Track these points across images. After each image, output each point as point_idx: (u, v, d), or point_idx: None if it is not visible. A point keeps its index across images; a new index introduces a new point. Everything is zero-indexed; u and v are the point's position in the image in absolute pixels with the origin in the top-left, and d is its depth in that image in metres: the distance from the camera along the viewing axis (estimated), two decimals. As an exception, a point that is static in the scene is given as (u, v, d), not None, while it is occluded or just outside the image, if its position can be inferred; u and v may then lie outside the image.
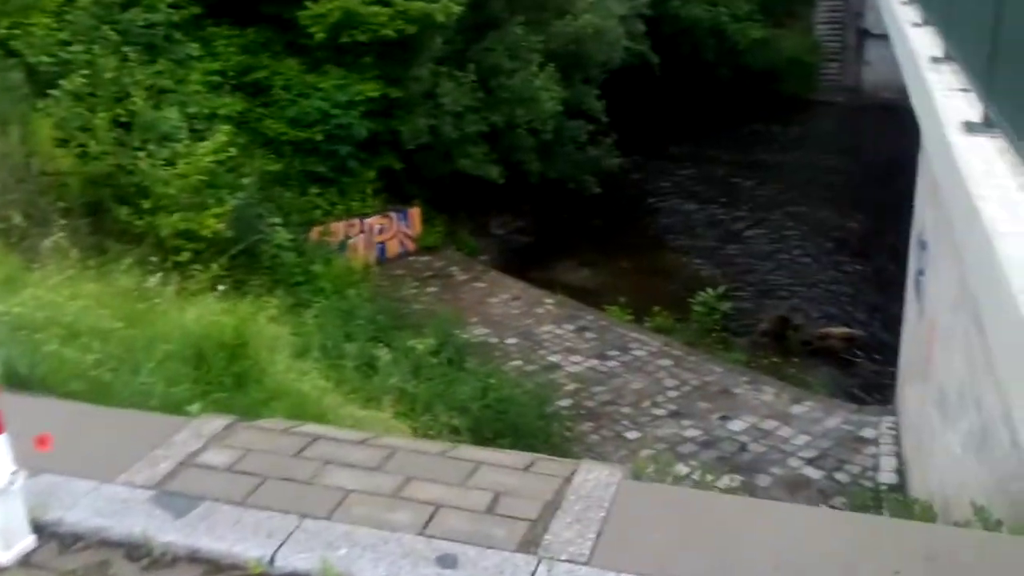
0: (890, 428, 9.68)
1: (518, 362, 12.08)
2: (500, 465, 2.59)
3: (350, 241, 15.59)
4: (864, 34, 29.69)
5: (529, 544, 2.28)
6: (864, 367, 13.02)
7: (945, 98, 6.57)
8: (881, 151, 24.45)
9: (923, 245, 8.46)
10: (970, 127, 5.59)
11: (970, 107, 6.21)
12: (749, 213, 20.32)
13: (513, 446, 8.02)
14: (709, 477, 7.46)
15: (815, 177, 22.65)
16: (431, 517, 2.40)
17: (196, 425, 2.99)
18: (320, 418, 5.69)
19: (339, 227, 15.44)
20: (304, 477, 2.60)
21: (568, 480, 2.48)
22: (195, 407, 3.50)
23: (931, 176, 8.21)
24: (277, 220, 11.92)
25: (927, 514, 4.02)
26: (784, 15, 31.50)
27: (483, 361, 9.52)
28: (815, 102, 30.16)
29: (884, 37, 28.37)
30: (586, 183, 19.33)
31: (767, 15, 30.58)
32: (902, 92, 28.15)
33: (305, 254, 13.10)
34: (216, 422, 3.01)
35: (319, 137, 15.12)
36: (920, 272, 8.56)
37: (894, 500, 3.96)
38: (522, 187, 18.51)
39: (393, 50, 16.13)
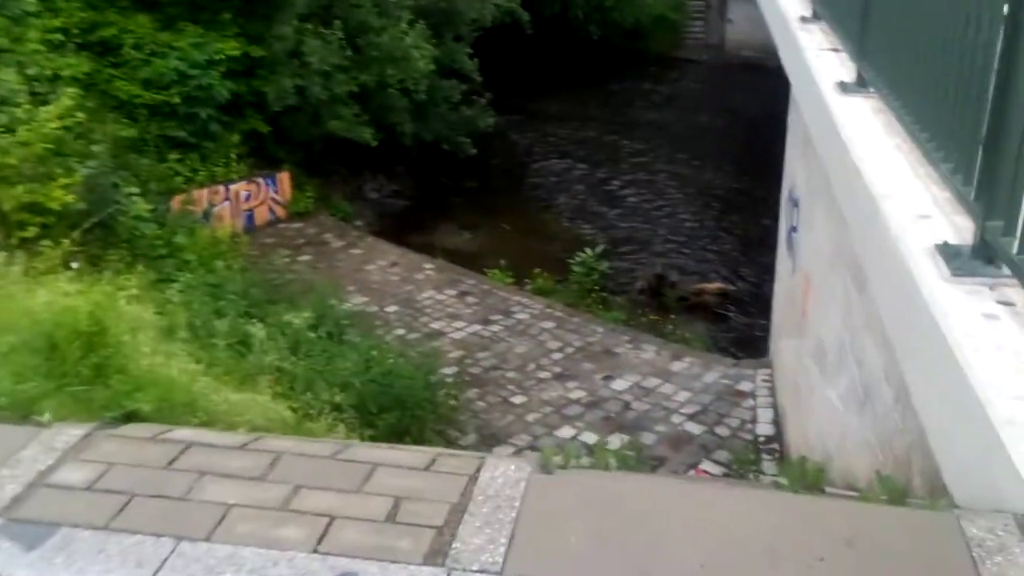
0: (765, 380, 9.99)
1: (400, 331, 11.82)
2: (398, 465, 2.38)
3: (215, 209, 14.81)
4: (727, -8, 30.40)
5: (436, 555, 2.09)
6: (737, 321, 13.42)
7: (817, 57, 6.66)
8: (748, 109, 25.19)
9: (795, 202, 8.67)
10: (844, 87, 5.67)
11: (842, 66, 6.32)
12: (624, 172, 20.55)
13: (399, 420, 7.85)
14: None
15: (686, 135, 23.10)
16: (326, 531, 2.16)
17: (48, 437, 2.64)
18: (191, 406, 5.30)
19: (202, 195, 14.63)
20: (178, 492, 2.31)
21: (474, 478, 2.30)
22: (46, 416, 3.10)
23: (802, 135, 8.39)
24: (134, 190, 11.11)
25: (819, 476, 4.06)
26: (649, -28, 31.82)
27: (364, 332, 9.19)
28: (681, 60, 30.77)
29: (746, -4, 29.23)
30: (462, 144, 19.06)
31: (633, -28, 30.84)
32: (764, 50, 29.16)
33: (167, 225, 12.31)
34: (72, 432, 2.66)
35: (177, 99, 14.22)
36: (792, 228, 8.78)
37: (793, 465, 3.97)
38: (396, 149, 18.07)
39: (254, 6, 15.35)
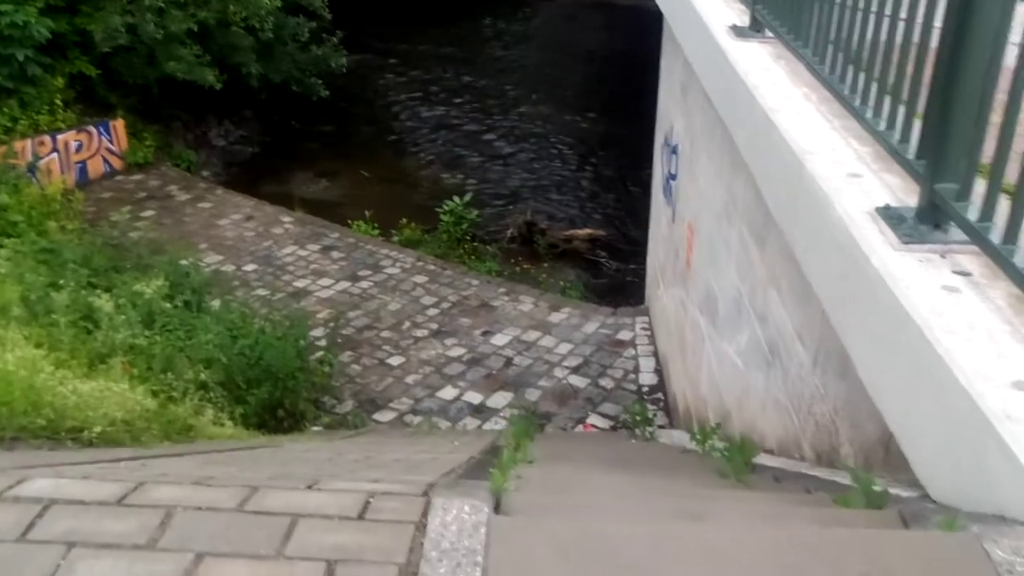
0: (644, 328, 9.96)
1: (261, 291, 11.07)
2: (324, 515, 1.93)
3: (41, 162, 13.37)
4: (577, -72, 30.01)
5: (390, 639, 1.68)
6: (608, 266, 13.39)
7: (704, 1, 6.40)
8: (603, 47, 25.17)
9: (672, 149, 8.52)
10: (738, 31, 5.43)
11: (729, 8, 6.09)
12: (485, 114, 20.07)
13: (272, 393, 7.26)
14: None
15: (545, 76, 22.80)
16: (243, 615, 1.72)
17: None
18: (35, 404, 4.60)
19: (25, 146, 13.16)
20: None
21: (421, 526, 1.89)
22: None
23: (679, 81, 8.20)
24: (-58, 145, 9.75)
25: (751, 449, 3.89)
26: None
27: (224, 297, 8.43)
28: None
29: (597, -68, 28.93)
30: (313, 86, 18.02)
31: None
32: (619, -11, 28.59)
33: (-16, 185, 10.96)
34: None
35: (-13, 39, 12.64)
36: (670, 176, 8.64)
37: (734, 449, 3.76)
38: (242, 92, 16.89)
39: (72, -67, 13.73)
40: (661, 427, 6.82)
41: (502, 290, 11.16)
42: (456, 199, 13.96)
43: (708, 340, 6.58)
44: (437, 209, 14.14)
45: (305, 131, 18.38)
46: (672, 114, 8.68)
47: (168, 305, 7.40)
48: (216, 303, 7.95)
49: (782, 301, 4.62)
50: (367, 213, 13.71)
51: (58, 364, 5.63)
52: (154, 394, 6.04)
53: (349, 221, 13.69)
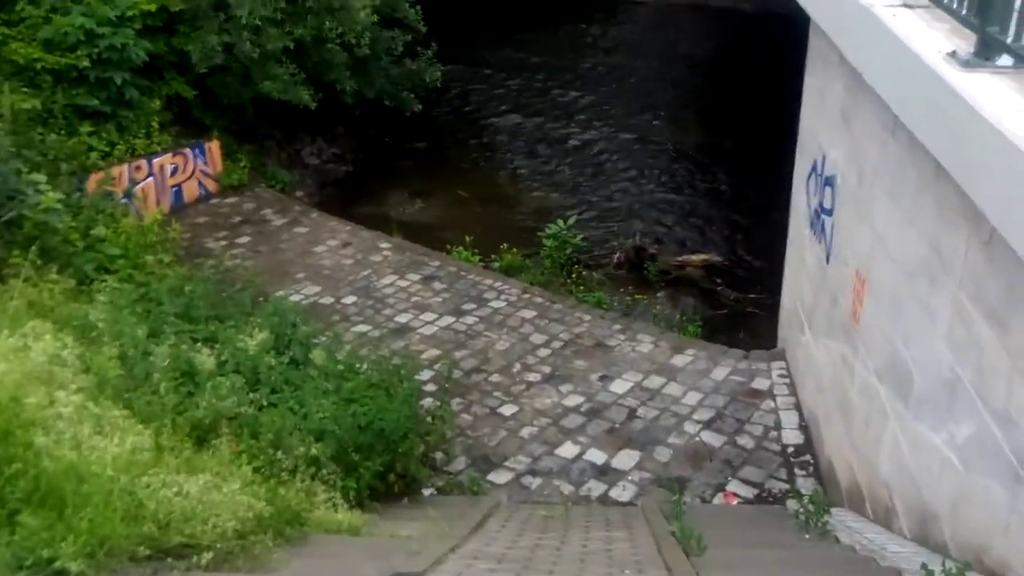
0: (782, 376, 8.97)
1: (361, 327, 10.46)
2: None
3: (138, 188, 13.07)
4: (671, -69, 28.92)
5: None
6: (726, 296, 12.38)
7: (892, 16, 5.45)
8: (698, 54, 24.08)
9: (827, 181, 7.53)
10: (963, 61, 4.47)
11: (931, 28, 5.13)
12: (580, 127, 19.23)
13: (392, 462, 6.59)
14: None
15: (640, 84, 21.83)
16: None
17: None
18: (137, 516, 3.98)
19: (122, 172, 12.88)
20: None
21: None
22: None
23: (836, 105, 7.23)
24: (40, 177, 9.37)
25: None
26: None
27: (324, 333, 7.72)
28: (626, 3, 29.34)
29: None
30: (406, 100, 17.45)
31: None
32: (714, -10, 27.59)
33: (82, 212, 10.60)
34: None
35: (86, 62, 12.41)
36: (823, 210, 7.66)
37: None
38: (334, 108, 16.39)
39: (170, -48, 13.43)
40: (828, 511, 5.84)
41: (617, 327, 10.30)
42: (560, 222, 13.14)
43: (894, 416, 5.61)
44: (539, 233, 13.35)
45: (398, 148, 17.84)
46: (825, 140, 7.69)
47: (272, 361, 6.77)
48: (318, 350, 7.28)
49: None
50: (467, 238, 13.00)
51: (158, 445, 5.03)
52: (259, 472, 5.40)
53: (448, 246, 13.02)
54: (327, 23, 14.63)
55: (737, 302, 12.22)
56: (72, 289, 8.42)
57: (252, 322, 7.38)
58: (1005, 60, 4.39)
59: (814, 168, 8.06)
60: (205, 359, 6.64)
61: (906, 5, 5.61)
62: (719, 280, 12.64)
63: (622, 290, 12.41)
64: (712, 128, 18.33)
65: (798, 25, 13.61)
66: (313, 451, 5.78)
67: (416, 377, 8.38)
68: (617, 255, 13.24)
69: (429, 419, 7.79)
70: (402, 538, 5.08)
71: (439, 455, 7.92)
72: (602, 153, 17.81)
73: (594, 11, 27.70)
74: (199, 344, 6.93)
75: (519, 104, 20.58)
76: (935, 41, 4.88)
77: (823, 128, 7.77)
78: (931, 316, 4.97)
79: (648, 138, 18.34)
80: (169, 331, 7.08)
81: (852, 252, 6.70)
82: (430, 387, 8.92)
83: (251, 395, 6.26)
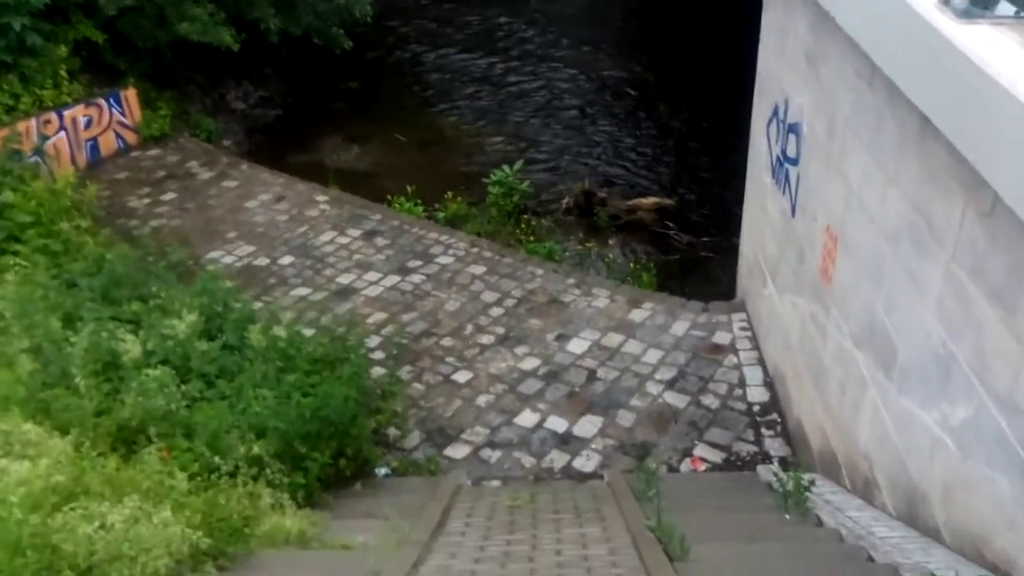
0: (743, 329, 8.70)
1: (301, 290, 9.86)
2: None
3: (48, 144, 12.07)
4: None
5: None
6: (679, 240, 12.02)
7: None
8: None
9: (791, 128, 7.13)
10: (961, 10, 4.04)
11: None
12: (520, 63, 18.48)
13: (342, 446, 6.14)
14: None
15: (580, 18, 21.05)
16: None
17: None
18: (51, 566, 3.48)
19: (30, 127, 11.87)
20: None
21: None
22: None
23: (800, 48, 6.78)
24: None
25: None
26: None
27: (267, 326, 7.11)
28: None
29: None
30: (336, 37, 16.46)
31: None
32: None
33: (-13, 177, 9.73)
34: None
35: (-22, 8, 11.27)
36: (787, 158, 7.27)
37: None
38: (260, 49, 15.39)
39: None
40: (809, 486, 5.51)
41: (571, 281, 9.89)
42: (505, 168, 12.56)
43: (874, 386, 5.32)
44: (483, 179, 12.77)
45: (330, 89, 16.93)
46: (787, 85, 7.25)
47: (205, 346, 6.20)
48: (255, 330, 6.69)
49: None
50: (408, 188, 12.37)
51: (78, 458, 4.50)
52: (194, 479, 4.90)
53: (389, 196, 12.37)
54: (247, -43, 13.59)
55: (690, 246, 11.89)
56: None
57: (181, 300, 6.75)
58: (1005, 8, 3.98)
59: (775, 113, 7.64)
60: (129, 347, 6.05)
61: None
62: (671, 224, 12.25)
63: (572, 237, 12.00)
64: (660, 64, 17.77)
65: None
66: (255, 450, 5.28)
67: (361, 343, 7.88)
68: (566, 200, 12.75)
69: (379, 393, 7.32)
70: (357, 548, 4.65)
71: (392, 431, 7.48)
72: (545, 91, 17.15)
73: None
74: (122, 330, 6.31)
75: (454, 40, 19.69)
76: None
77: (785, 71, 7.33)
78: (918, 285, 4.64)
79: (593, 76, 17.70)
80: (88, 316, 6.43)
81: (822, 207, 6.34)
82: (378, 355, 8.46)
83: (182, 388, 5.71)
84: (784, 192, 7.37)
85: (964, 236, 4.11)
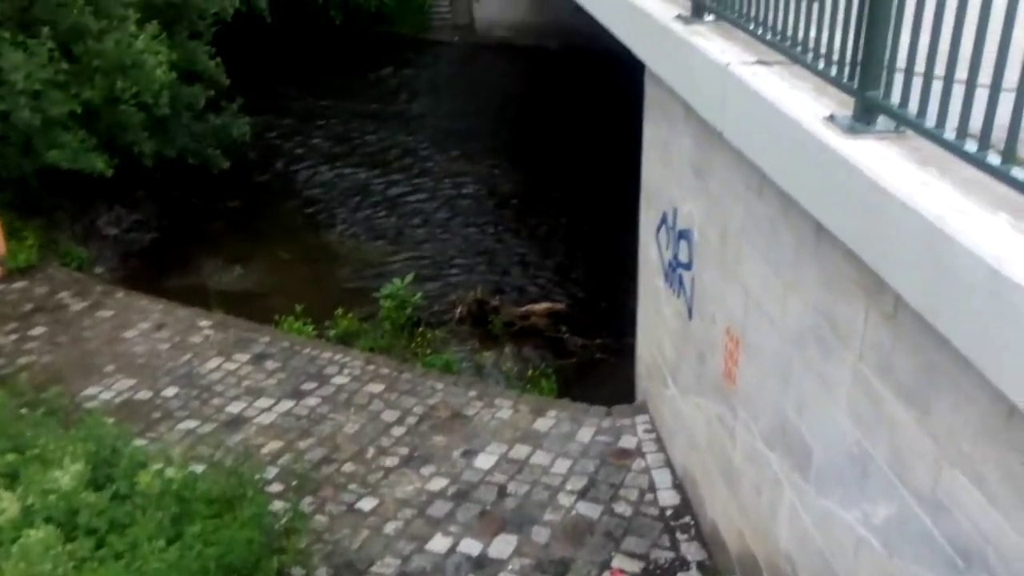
0: (647, 431, 8.73)
1: (189, 422, 9.33)
2: None
3: (-99, 281, 11.24)
4: (471, -30, 29.13)
5: None
6: (572, 343, 12.14)
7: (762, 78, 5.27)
8: (512, 94, 24.25)
9: (682, 234, 7.37)
10: (845, 125, 4.30)
11: (793, 88, 4.97)
12: (401, 174, 18.65)
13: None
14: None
15: (460, 128, 21.55)
16: None
17: None
18: None
19: None
20: None
21: None
22: None
23: (687, 161, 7.08)
24: None
25: None
26: (386, -51, 29.93)
27: (159, 472, 6.63)
28: (430, 42, 29.25)
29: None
30: (213, 158, 16.32)
31: (368, -50, 28.85)
32: (516, 29, 28.46)
33: None
34: None
35: None
36: (679, 264, 7.49)
37: None
38: (133, 171, 14.99)
39: (-79, 10, 11.74)
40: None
41: (472, 393, 9.76)
42: (396, 281, 12.49)
43: (790, 488, 5.38)
44: (374, 294, 12.65)
45: (209, 209, 16.55)
46: (675, 194, 7.53)
47: (92, 498, 5.71)
48: (144, 473, 6.24)
49: (986, 495, 3.45)
50: (296, 306, 12.09)
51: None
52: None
53: (276, 316, 12.03)
54: (119, 83, 13.30)
55: (585, 348, 12.00)
56: None
57: (63, 448, 6.23)
58: (885, 124, 4.25)
59: (664, 221, 7.90)
60: (6, 506, 5.52)
61: (761, 62, 5.47)
62: (564, 328, 12.39)
63: (468, 347, 11.94)
64: (533, 169, 18.28)
65: (608, 59, 13.73)
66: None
67: (258, 476, 7.48)
68: (459, 310, 12.73)
69: (282, 530, 6.91)
70: None
71: (297, 570, 7.03)
72: (427, 201, 17.31)
73: (399, 54, 27.34)
74: (-4, 484, 5.76)
75: (333, 154, 19.77)
76: (804, 102, 4.72)
77: (671, 182, 7.62)
78: (827, 386, 4.77)
79: (470, 183, 18.03)
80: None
81: (720, 310, 6.51)
82: (276, 487, 8.05)
83: (68, 548, 5.21)
84: (679, 296, 7.56)
85: (869, 337, 4.26)
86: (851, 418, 4.52)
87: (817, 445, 4.97)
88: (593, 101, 20.89)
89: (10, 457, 6.34)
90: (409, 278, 12.60)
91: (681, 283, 7.48)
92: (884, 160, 3.93)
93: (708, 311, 6.82)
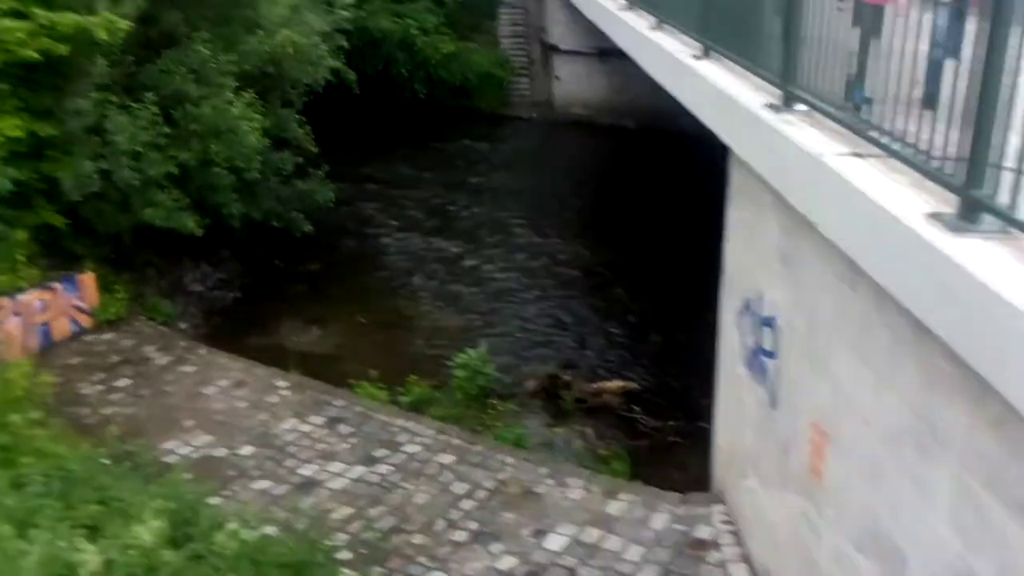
0: (724, 522, 8.49)
1: (262, 483, 9.43)
2: None
3: (0, 327, 11.72)
4: (552, 49, 29.77)
5: None
6: (645, 424, 11.96)
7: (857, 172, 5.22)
8: (592, 171, 24.49)
9: (766, 321, 7.26)
10: (951, 224, 4.21)
11: (894, 183, 4.91)
12: (477, 245, 18.89)
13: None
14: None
15: (533, 199, 21.85)
16: None
17: None
18: None
19: (-19, 313, 11.55)
20: None
21: None
22: None
23: (773, 247, 7.01)
24: None
25: None
26: (469, 28, 30.88)
27: (236, 531, 6.72)
28: (510, 118, 29.80)
29: (574, 53, 28.75)
30: (296, 221, 16.79)
31: (452, 29, 29.78)
32: (595, 108, 28.71)
33: (-67, 365, 9.32)
34: None
35: (-60, 195, 11.19)
36: (763, 351, 7.36)
37: None
38: (219, 230, 15.48)
39: (40, 75, 12.49)
40: None
41: (543, 470, 9.66)
42: (470, 351, 12.54)
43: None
44: (447, 361, 12.73)
45: (290, 271, 16.98)
46: (760, 280, 7.45)
47: (171, 556, 5.78)
48: (221, 534, 6.30)
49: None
50: (371, 372, 12.23)
51: None
52: None
53: (351, 380, 12.20)
54: (213, 147, 13.89)
55: (658, 431, 11.82)
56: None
57: (144, 504, 6.35)
58: (992, 223, 4.16)
59: (747, 306, 7.81)
60: (88, 558, 5.61)
61: (856, 155, 5.44)
62: (637, 408, 12.23)
63: (539, 422, 11.86)
64: (610, 245, 18.32)
65: (686, 139, 13.75)
66: None
67: (328, 543, 7.49)
68: (531, 383, 12.72)
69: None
70: None
71: (363, 642, 6.98)
72: (501, 272, 17.46)
73: (480, 127, 27.95)
74: (79, 533, 5.88)
75: (413, 222, 20.16)
76: (904, 197, 4.66)
77: (756, 267, 7.55)
78: (924, 491, 4.59)
79: (546, 256, 18.15)
80: (43, 523, 5.99)
81: (806, 403, 6.36)
82: (345, 554, 8.03)
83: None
84: (762, 384, 7.41)
85: (974, 443, 4.10)
86: (952, 528, 4.32)
87: (913, 553, 4.76)
88: (671, 180, 20.96)
89: (94, 509, 6.48)
90: (483, 348, 12.65)
91: (764, 371, 7.34)
92: (992, 261, 3.84)
93: (793, 402, 6.67)
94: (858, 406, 5.42)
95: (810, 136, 5.98)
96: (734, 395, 8.38)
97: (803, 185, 5.89)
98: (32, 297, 12.36)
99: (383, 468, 9.70)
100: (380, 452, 10.03)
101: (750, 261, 7.74)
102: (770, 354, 7.18)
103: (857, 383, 5.43)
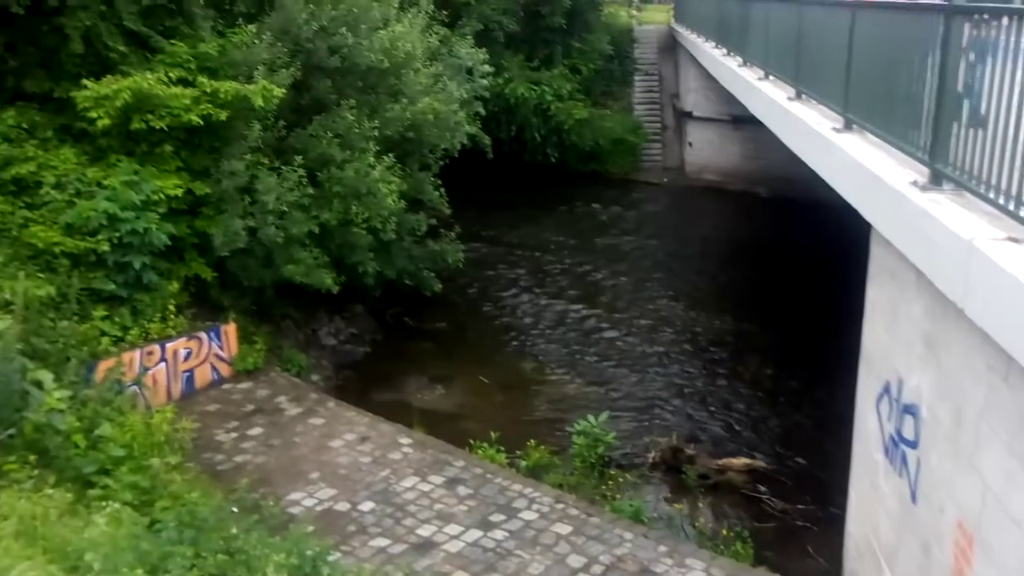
0: (856, 619, 7.98)
1: (380, 540, 9.54)
2: None
3: (148, 375, 12.44)
4: (686, 116, 29.73)
5: None
6: (772, 506, 11.44)
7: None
8: (720, 237, 24.07)
9: (907, 409, 6.86)
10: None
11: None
12: (602, 308, 18.82)
13: None
14: None
15: (660, 266, 21.66)
16: None
17: None
18: None
19: (133, 358, 12.29)
20: None
21: None
22: None
23: (916, 330, 6.65)
24: (46, 375, 8.78)
25: None
26: (603, 95, 31.28)
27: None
28: (640, 183, 29.82)
29: (708, 120, 28.59)
30: (427, 281, 17.25)
31: (587, 95, 30.20)
32: (726, 174, 28.30)
33: (87, 405, 9.93)
34: None
35: (106, 246, 12.08)
36: (903, 440, 6.95)
37: None
38: (354, 286, 16.02)
39: (199, 137, 13.43)
40: None
41: (662, 548, 9.37)
42: (591, 418, 12.40)
43: None
44: (566, 427, 12.65)
45: (418, 329, 17.35)
46: (900, 364, 7.07)
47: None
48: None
49: None
50: (491, 433, 12.27)
51: None
52: None
53: (471, 440, 12.28)
54: (353, 208, 14.48)
55: (785, 513, 11.27)
56: (69, 503, 7.67)
57: (268, 557, 6.52)
58: None
59: (887, 390, 7.41)
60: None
61: (1012, 240, 5.12)
62: (763, 488, 11.73)
63: (659, 495, 11.55)
64: (741, 314, 17.88)
65: (821, 210, 13.34)
66: None
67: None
68: (652, 455, 12.43)
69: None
70: None
71: None
72: (626, 337, 17.28)
73: (609, 191, 28.07)
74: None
75: (539, 284, 20.31)
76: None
77: (897, 350, 7.18)
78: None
79: (675, 323, 17.88)
80: (174, 570, 6.23)
81: (951, 499, 5.93)
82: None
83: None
84: (902, 475, 6.98)
85: None
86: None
87: None
88: (806, 250, 20.34)
89: (221, 559, 6.70)
90: (604, 416, 12.48)
91: (904, 461, 6.91)
92: None
93: (936, 498, 6.23)
94: (1010, 508, 5.01)
95: (960, 217, 5.70)
96: (869, 482, 7.92)
97: (951, 268, 5.58)
98: (179, 345, 13.09)
99: (499, 534, 9.64)
100: (497, 517, 9.98)
101: (891, 342, 7.37)
102: (911, 444, 6.77)
103: (1009, 483, 5.03)
